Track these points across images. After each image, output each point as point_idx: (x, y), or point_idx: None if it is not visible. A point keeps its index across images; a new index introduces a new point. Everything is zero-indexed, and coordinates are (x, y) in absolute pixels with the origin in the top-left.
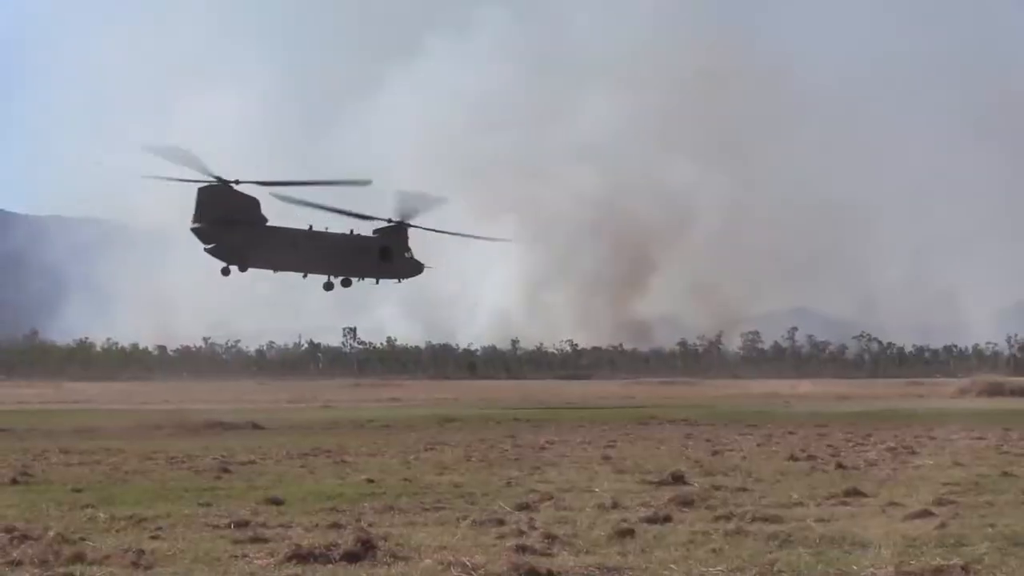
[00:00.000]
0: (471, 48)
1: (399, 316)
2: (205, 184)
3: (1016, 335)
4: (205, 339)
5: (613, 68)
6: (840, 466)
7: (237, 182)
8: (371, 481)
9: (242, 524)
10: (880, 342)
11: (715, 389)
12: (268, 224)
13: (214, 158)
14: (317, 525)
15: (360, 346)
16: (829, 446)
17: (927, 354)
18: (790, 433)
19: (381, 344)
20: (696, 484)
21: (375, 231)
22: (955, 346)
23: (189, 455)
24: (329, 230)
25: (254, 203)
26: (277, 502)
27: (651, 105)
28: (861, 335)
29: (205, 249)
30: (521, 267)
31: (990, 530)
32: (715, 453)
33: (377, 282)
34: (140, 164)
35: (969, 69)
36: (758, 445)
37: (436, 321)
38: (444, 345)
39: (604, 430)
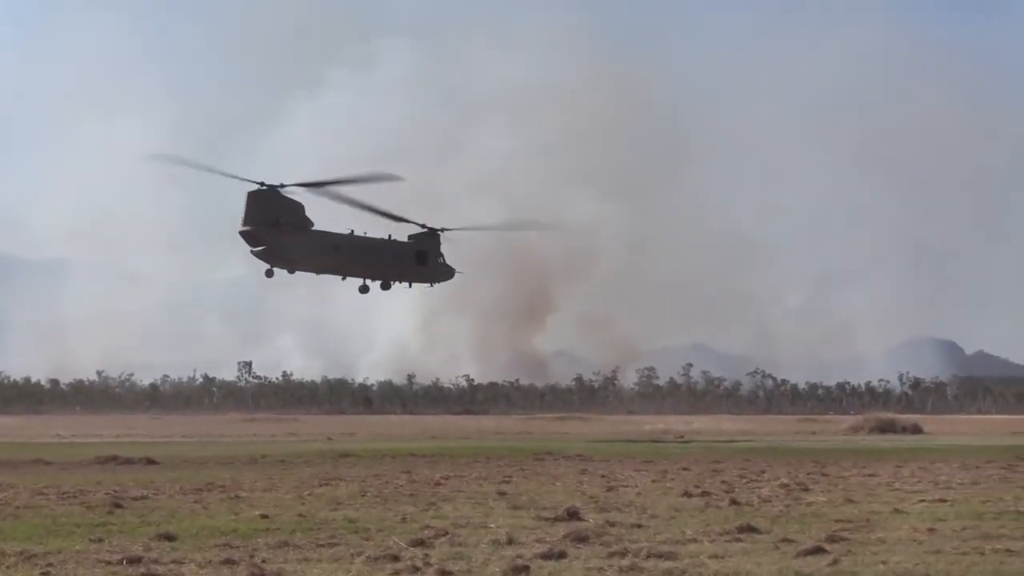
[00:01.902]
0: (373, 81)
1: (296, 349)
2: (254, 189)
3: (908, 372)
4: (99, 372)
5: (515, 103)
6: (734, 502)
7: (282, 185)
8: (265, 517)
9: (134, 560)
10: (775, 378)
11: (611, 424)
12: (313, 228)
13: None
14: (210, 561)
15: (255, 380)
16: (723, 482)
17: (820, 391)
18: (685, 469)
19: (276, 378)
20: (591, 520)
21: (410, 236)
22: (848, 383)
23: (81, 490)
24: (368, 235)
25: (300, 207)
26: (170, 538)
27: (552, 140)
28: (756, 371)
29: (252, 252)
30: (418, 299)
31: (882, 567)
32: (610, 489)
33: (410, 286)
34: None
35: (861, 106)
36: (653, 481)
37: (334, 354)
38: (340, 380)
39: (500, 465)
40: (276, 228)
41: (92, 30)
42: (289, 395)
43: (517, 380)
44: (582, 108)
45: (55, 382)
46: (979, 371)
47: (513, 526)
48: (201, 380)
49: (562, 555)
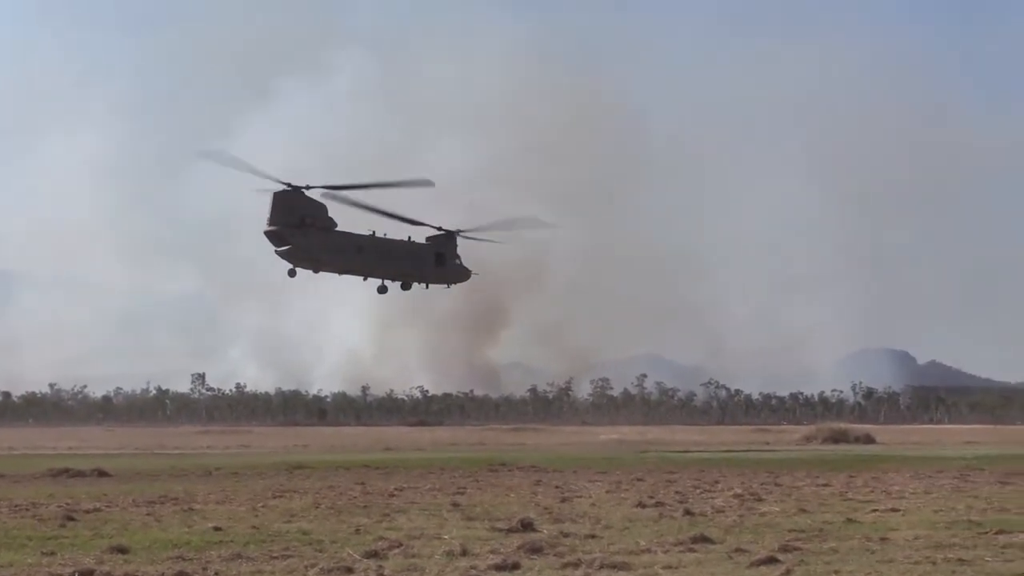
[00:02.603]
0: (326, 91)
1: (250, 361)
2: (280, 189)
3: (860, 382)
4: (51, 385)
5: (468, 114)
6: (688, 512)
7: (308, 187)
8: (218, 529)
9: (87, 573)
10: (728, 389)
11: (565, 435)
12: (337, 229)
13: (71, 199)
14: (163, 574)
15: (209, 392)
16: (677, 493)
17: (774, 401)
18: (639, 480)
19: (230, 390)
20: (545, 531)
21: (428, 238)
22: (801, 393)
23: (33, 503)
24: (388, 236)
25: (323, 208)
26: (123, 551)
27: (506, 151)
28: (710, 382)
29: (277, 252)
30: (372, 308)
31: None
32: (564, 500)
33: (427, 287)
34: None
35: (813, 117)
36: (607, 492)
37: (288, 366)
38: (294, 391)
39: (454, 477)
40: (301, 228)
41: (44, 43)
42: (243, 407)
43: (471, 391)
44: (535, 120)
45: (7, 395)
46: (932, 381)
47: (467, 537)
48: (154, 392)
49: (516, 566)
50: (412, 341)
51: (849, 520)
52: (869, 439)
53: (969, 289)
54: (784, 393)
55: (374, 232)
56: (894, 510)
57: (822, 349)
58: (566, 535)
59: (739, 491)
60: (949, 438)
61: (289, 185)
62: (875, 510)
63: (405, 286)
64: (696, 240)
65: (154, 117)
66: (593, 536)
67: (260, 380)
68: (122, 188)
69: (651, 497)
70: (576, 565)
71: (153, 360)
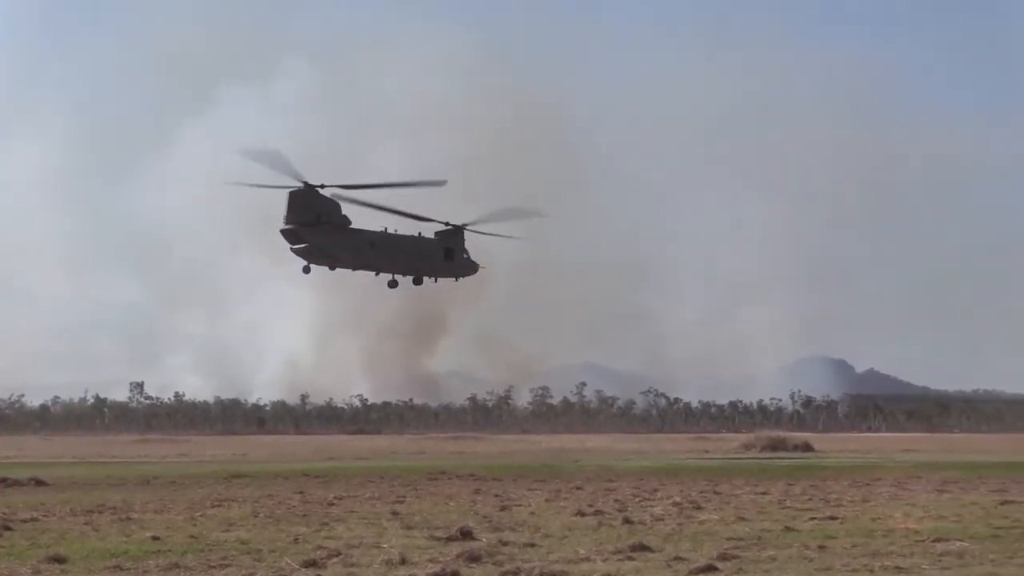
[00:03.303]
0: (269, 99)
1: (189, 370)
2: (295, 188)
3: (799, 391)
4: None
5: (411, 122)
6: (627, 521)
7: (322, 186)
8: (156, 538)
9: None
10: (668, 397)
11: (505, 444)
12: (351, 226)
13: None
14: None
15: (148, 401)
16: (616, 501)
17: (713, 409)
18: (578, 488)
19: (169, 399)
20: (484, 540)
21: (436, 233)
22: (740, 401)
23: None
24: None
25: (337, 206)
26: (60, 560)
27: (448, 159)
28: (649, 390)
29: (293, 249)
30: (312, 316)
31: None
32: (503, 508)
33: (436, 281)
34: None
35: (754, 126)
36: (546, 500)
37: (227, 374)
38: (233, 400)
39: (393, 485)
40: (317, 226)
41: None
42: (181, 416)
43: (411, 400)
44: (476, 128)
45: None
46: (869, 389)
47: (406, 546)
48: (93, 401)
49: (455, 575)
50: (352, 350)
51: (787, 528)
52: (807, 447)
53: (907, 298)
54: (723, 401)
55: (386, 229)
56: (832, 518)
57: (761, 357)
58: (505, 544)
59: (678, 499)
60: (886, 446)
61: (305, 184)
62: (813, 518)
63: (417, 280)
64: (637, 248)
65: (95, 125)
66: (532, 545)
67: (199, 389)
68: (62, 196)
69: (590, 506)
70: (515, 574)
71: (91, 369)
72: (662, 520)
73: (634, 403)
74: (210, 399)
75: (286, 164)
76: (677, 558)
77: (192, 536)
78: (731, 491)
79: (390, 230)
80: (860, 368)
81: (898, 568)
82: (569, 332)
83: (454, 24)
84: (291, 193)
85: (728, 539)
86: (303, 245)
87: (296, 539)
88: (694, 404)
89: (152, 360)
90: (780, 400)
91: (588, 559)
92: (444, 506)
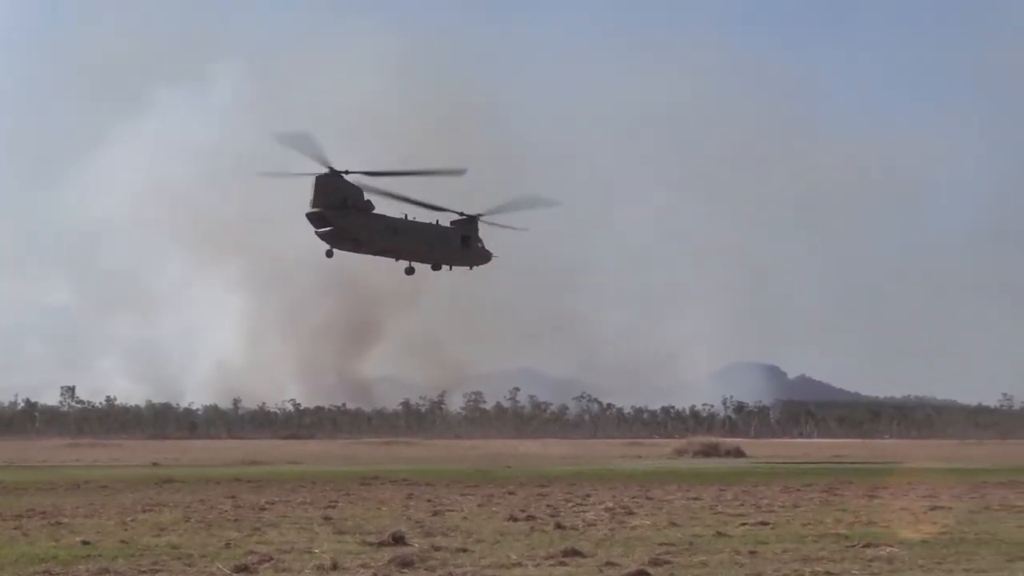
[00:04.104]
0: (203, 102)
1: (120, 373)
2: (321, 173)
3: (731, 396)
4: None
5: (345, 126)
6: (559, 526)
7: (347, 172)
8: (87, 543)
9: None
10: (600, 403)
11: (437, 449)
12: (374, 211)
13: None
14: None
15: (79, 405)
16: (549, 506)
17: (646, 414)
18: (510, 493)
19: (100, 403)
20: (416, 545)
21: (452, 222)
22: (673, 407)
23: None
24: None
25: (361, 192)
26: None
27: (380, 162)
28: (582, 396)
29: (317, 233)
30: (245, 320)
31: None
32: (436, 513)
33: (451, 269)
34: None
35: (686, 131)
36: (479, 505)
37: (159, 378)
38: (165, 404)
39: (325, 490)
40: (343, 210)
41: None
42: (113, 420)
43: (343, 404)
44: (411, 132)
45: None
46: (801, 395)
47: (338, 551)
48: (23, 405)
49: None
50: (284, 354)
51: (719, 533)
52: (739, 453)
53: (839, 305)
54: (656, 407)
55: (406, 215)
56: (763, 523)
57: (694, 363)
58: (437, 549)
59: (610, 505)
60: (818, 452)
61: (331, 169)
62: (744, 523)
63: (436, 267)
64: (571, 253)
65: (26, 126)
66: (464, 550)
67: (131, 393)
68: None
69: (523, 511)
70: None
71: (22, 372)
72: (594, 525)
73: (567, 408)
74: (142, 403)
75: (314, 148)
76: (609, 563)
77: (123, 541)
78: (663, 496)
79: (407, 217)
80: (792, 374)
81: (828, 573)
82: (502, 337)
83: (388, 24)
84: (317, 178)
85: (660, 544)
86: (329, 228)
87: (227, 544)
88: (627, 409)
89: (83, 364)
90: (712, 406)
91: (520, 564)
92: (376, 511)
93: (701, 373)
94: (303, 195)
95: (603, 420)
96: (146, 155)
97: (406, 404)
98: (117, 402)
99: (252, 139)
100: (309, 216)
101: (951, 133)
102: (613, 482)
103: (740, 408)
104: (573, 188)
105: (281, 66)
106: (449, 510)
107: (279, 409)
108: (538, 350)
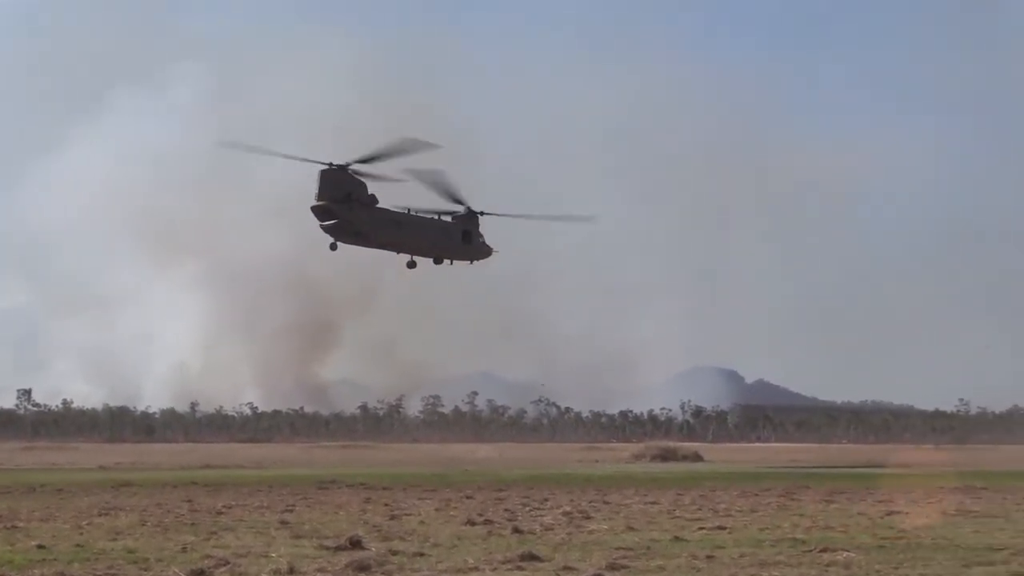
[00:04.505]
0: (161, 104)
1: (77, 376)
2: (326, 167)
3: (689, 401)
4: None
5: (303, 130)
6: (516, 530)
7: (349, 165)
8: (42, 547)
9: None
10: (558, 406)
11: (395, 453)
12: (378, 205)
13: None
14: None
15: (35, 408)
16: (506, 510)
17: (604, 419)
18: (468, 497)
19: (56, 406)
20: (373, 549)
21: (453, 218)
22: (631, 411)
23: None
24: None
25: (365, 186)
26: None
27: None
28: (540, 400)
29: (322, 226)
30: (202, 323)
31: None
32: (393, 517)
33: (452, 263)
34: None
35: (645, 133)
36: (436, 509)
37: (116, 381)
38: (122, 407)
39: (283, 494)
40: (348, 203)
41: None
42: (69, 423)
43: (301, 408)
44: (368, 136)
45: None
46: (759, 400)
47: (295, 555)
48: None
49: None
50: (242, 357)
51: (676, 538)
52: (697, 457)
53: (797, 309)
54: (614, 411)
55: (408, 210)
56: (721, 528)
57: (653, 367)
58: (395, 553)
59: (568, 509)
60: (775, 456)
61: (332, 164)
62: (702, 528)
63: (437, 260)
64: (528, 257)
65: None
66: (421, 554)
67: (88, 396)
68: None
69: (480, 515)
70: None
71: None
72: (552, 529)
73: (525, 412)
74: (99, 406)
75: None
76: (566, 567)
77: (78, 545)
78: (621, 500)
79: (409, 212)
80: (750, 379)
81: None
82: (461, 341)
83: (347, 28)
84: (322, 172)
85: (617, 548)
86: (334, 222)
87: (184, 548)
88: (585, 414)
89: (39, 367)
90: (670, 410)
91: (477, 568)
92: (334, 515)
93: (660, 378)
94: (261, 198)
95: (561, 424)
96: (104, 157)
97: (364, 408)
98: (74, 405)
99: (210, 141)
100: (314, 209)
101: (909, 138)
102: (571, 486)
103: (698, 413)
104: (533, 191)
105: (239, 69)
106: (406, 514)
107: (237, 413)
108: (496, 354)
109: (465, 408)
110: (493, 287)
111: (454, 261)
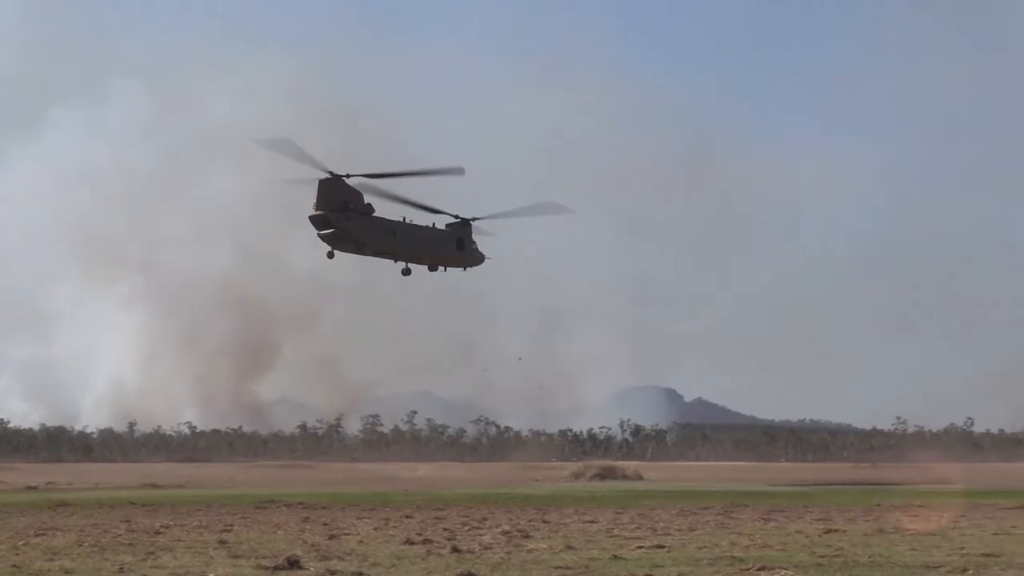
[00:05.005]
0: (100, 121)
1: (13, 394)
2: (324, 177)
3: (628, 419)
4: None
5: (244, 147)
6: (455, 550)
7: (348, 175)
8: None
9: None
10: (498, 425)
11: (334, 472)
12: (374, 215)
13: None
14: None
15: None
16: (446, 530)
17: (543, 438)
18: (407, 517)
19: None
20: (312, 569)
21: (447, 225)
22: (570, 430)
23: None
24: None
25: (361, 195)
26: None
27: (279, 186)
28: (479, 419)
29: (320, 235)
30: (139, 341)
31: None
32: (332, 537)
33: (445, 270)
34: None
35: (582, 151)
36: (375, 529)
37: (53, 400)
38: (59, 427)
39: (221, 514)
40: (345, 212)
41: None
42: (6, 443)
43: (240, 427)
44: (310, 152)
45: None
46: (698, 418)
47: (232, 575)
48: None
49: None
50: (179, 376)
51: (615, 557)
52: (637, 476)
53: (735, 328)
54: (554, 430)
55: (404, 218)
56: (659, 547)
57: (592, 386)
58: (333, 572)
59: (507, 528)
60: (714, 475)
61: (331, 173)
62: (641, 547)
63: (432, 267)
64: (468, 275)
65: None
66: (360, 573)
67: (24, 415)
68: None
69: (419, 534)
70: None
71: None
72: (490, 549)
73: (465, 431)
74: (35, 426)
75: (301, 153)
76: None
77: (15, 566)
78: (560, 520)
79: (405, 220)
80: (689, 397)
81: None
82: (400, 360)
83: (284, 46)
84: (320, 181)
85: (556, 568)
86: (331, 231)
87: (121, 568)
88: (524, 432)
89: None
90: (610, 429)
91: None
92: (272, 535)
93: (599, 396)
94: (200, 216)
95: (500, 443)
96: (41, 175)
97: (303, 427)
98: (10, 424)
99: (149, 159)
100: (312, 219)
101: (848, 160)
102: (510, 505)
103: (637, 431)
104: (473, 210)
105: (176, 86)
106: (345, 534)
107: (175, 432)
108: (436, 373)
109: (404, 427)
110: (433, 306)
111: (448, 268)
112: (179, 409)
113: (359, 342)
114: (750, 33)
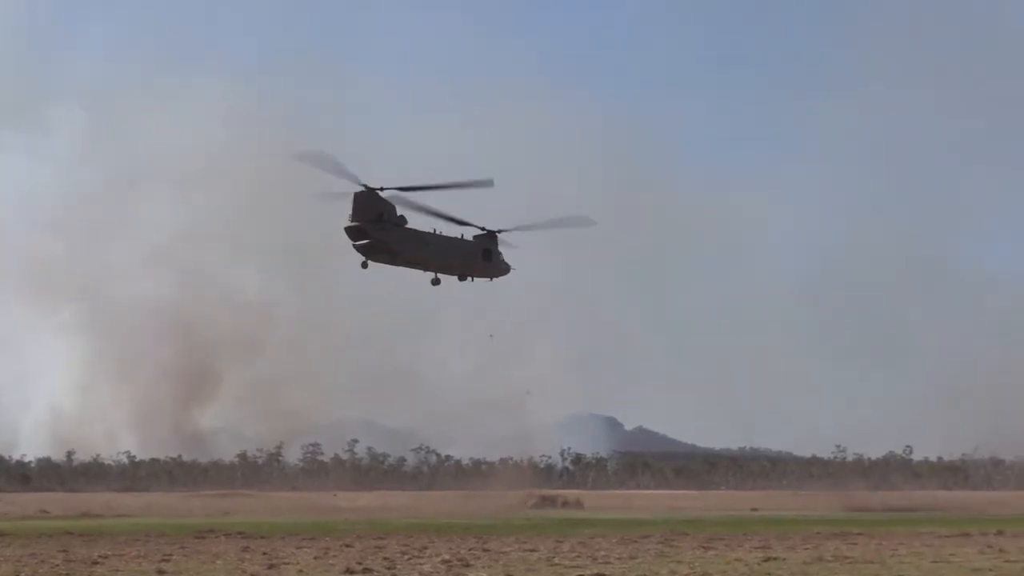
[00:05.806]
0: (40, 146)
1: None
2: (359, 190)
3: (568, 448)
4: None
5: (187, 174)
6: None
7: (382, 188)
8: None
9: None
10: (439, 454)
11: (274, 501)
12: (407, 226)
13: None
14: None
15: None
16: (385, 559)
17: (484, 466)
18: (347, 546)
19: None
20: None
21: (474, 237)
22: (511, 458)
23: None
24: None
25: (394, 207)
26: None
27: (224, 213)
28: (420, 447)
29: (356, 246)
30: (78, 370)
31: None
32: (271, 566)
33: (473, 280)
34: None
35: (527, 172)
36: (315, 558)
37: None
38: None
39: (160, 544)
40: (379, 224)
41: None
42: None
43: (179, 456)
44: (254, 182)
45: None
46: (639, 447)
47: None
48: None
49: None
50: (118, 405)
51: None
52: (578, 504)
53: (676, 356)
54: (495, 458)
55: (435, 230)
56: (599, 575)
57: (532, 414)
58: None
59: (447, 557)
60: (655, 503)
61: (366, 186)
62: (580, 575)
63: (461, 278)
64: (409, 302)
65: None
66: None
67: None
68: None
69: (359, 563)
70: None
71: None
72: None
73: (405, 460)
74: None
75: (339, 167)
76: None
77: None
78: (500, 548)
79: (435, 231)
80: (629, 425)
81: None
82: (340, 387)
83: (226, 71)
84: (356, 194)
85: None
86: (366, 241)
87: None
88: (465, 461)
89: None
90: (550, 457)
91: None
92: (211, 565)
93: (540, 424)
94: (139, 241)
95: (441, 472)
96: None
97: (243, 456)
98: None
99: (88, 183)
100: (348, 230)
101: (785, 190)
102: (450, 534)
103: (578, 459)
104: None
105: (118, 112)
106: (285, 563)
107: (114, 461)
108: (376, 400)
109: (345, 456)
110: (374, 332)
111: (475, 278)
112: (118, 437)
113: (301, 370)
114: (694, 63)
